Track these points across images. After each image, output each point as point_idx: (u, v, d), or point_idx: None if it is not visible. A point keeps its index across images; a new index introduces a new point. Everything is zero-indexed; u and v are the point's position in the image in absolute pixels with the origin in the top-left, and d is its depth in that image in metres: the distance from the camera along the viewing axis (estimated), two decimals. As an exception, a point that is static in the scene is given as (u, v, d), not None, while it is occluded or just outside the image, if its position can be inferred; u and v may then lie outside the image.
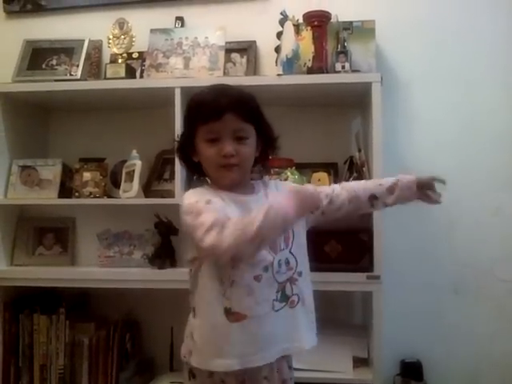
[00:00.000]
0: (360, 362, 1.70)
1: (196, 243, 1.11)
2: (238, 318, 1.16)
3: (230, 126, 1.18)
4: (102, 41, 2.03)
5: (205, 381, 1.19)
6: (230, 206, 1.18)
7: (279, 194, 1.22)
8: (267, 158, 1.31)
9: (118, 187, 1.87)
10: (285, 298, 1.20)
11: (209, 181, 1.29)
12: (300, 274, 1.23)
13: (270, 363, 1.19)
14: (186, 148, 1.26)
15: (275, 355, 1.19)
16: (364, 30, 1.83)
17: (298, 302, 1.22)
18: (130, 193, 1.80)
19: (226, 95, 1.20)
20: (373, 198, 1.30)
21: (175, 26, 1.98)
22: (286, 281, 1.20)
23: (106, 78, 1.86)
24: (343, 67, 1.74)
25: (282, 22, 1.79)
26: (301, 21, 1.81)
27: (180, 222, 1.79)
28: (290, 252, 1.22)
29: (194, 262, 1.22)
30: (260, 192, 1.26)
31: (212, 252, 1.08)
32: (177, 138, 1.31)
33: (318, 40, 1.75)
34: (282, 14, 1.80)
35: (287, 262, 1.21)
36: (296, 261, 1.23)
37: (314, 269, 1.29)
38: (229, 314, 1.16)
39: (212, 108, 1.18)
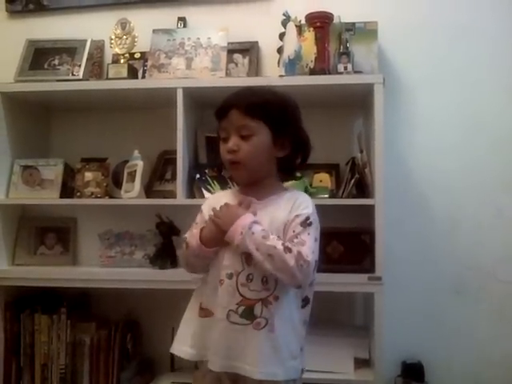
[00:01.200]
0: (361, 363, 1.70)
1: None
2: (206, 314, 1.22)
3: (234, 122, 1.21)
4: (104, 41, 2.03)
5: (206, 373, 1.22)
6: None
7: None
8: (298, 161, 1.29)
9: (120, 187, 1.87)
10: (250, 316, 1.16)
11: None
12: (276, 298, 1.16)
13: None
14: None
15: (220, 367, 1.17)
16: (366, 31, 1.83)
17: (264, 327, 1.15)
18: (132, 193, 1.80)
19: (237, 94, 1.23)
20: None
21: (177, 27, 1.98)
22: (257, 299, 1.16)
23: (108, 78, 1.86)
24: (345, 68, 1.74)
25: (284, 23, 1.79)
26: (303, 22, 1.81)
27: (181, 222, 1.82)
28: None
29: None
30: (270, 198, 1.24)
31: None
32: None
33: (321, 41, 1.75)
34: (284, 14, 1.80)
35: (265, 281, 1.16)
36: (276, 283, 1.17)
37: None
38: (200, 308, 1.23)
39: (220, 107, 1.24)
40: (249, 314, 1.16)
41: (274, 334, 1.15)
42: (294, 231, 1.17)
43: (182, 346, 1.25)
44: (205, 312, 1.22)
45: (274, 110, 1.22)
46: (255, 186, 1.26)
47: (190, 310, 1.27)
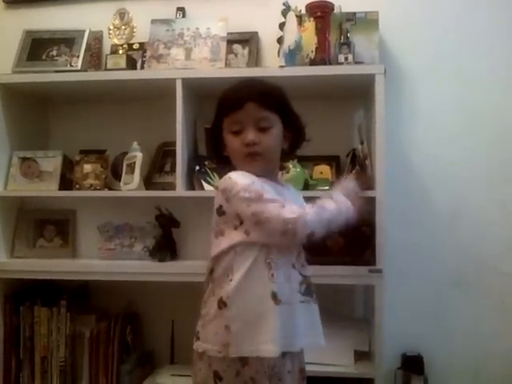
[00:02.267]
0: (361, 356, 1.70)
1: (268, 221, 1.14)
2: (281, 301, 1.17)
3: (251, 114, 1.20)
4: (102, 31, 2.01)
5: (235, 379, 1.16)
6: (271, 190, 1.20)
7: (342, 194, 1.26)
8: (294, 150, 1.33)
9: (119, 179, 1.86)
10: (310, 293, 1.24)
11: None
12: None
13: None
14: (216, 143, 1.29)
15: (300, 345, 1.22)
16: (367, 22, 1.81)
17: (316, 299, 1.26)
18: (131, 185, 1.79)
19: (248, 86, 1.23)
20: None
21: (176, 17, 1.96)
22: (309, 276, 1.25)
23: (106, 69, 1.84)
24: (346, 59, 1.72)
25: (284, 13, 1.77)
26: (303, 11, 1.79)
27: (180, 214, 1.81)
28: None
29: (229, 251, 1.18)
30: (284, 185, 1.30)
31: (294, 225, 1.13)
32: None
33: (321, 31, 1.73)
34: (284, 4, 1.78)
35: (306, 261, 1.27)
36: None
37: (316, 262, 1.29)
38: (275, 297, 1.16)
39: (234, 99, 1.22)
40: (309, 290, 1.24)
41: (317, 305, 1.27)
42: None
43: (267, 344, 1.14)
44: (280, 300, 1.16)
45: (284, 102, 1.26)
46: (268, 176, 1.26)
47: (259, 303, 1.16)
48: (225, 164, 1.31)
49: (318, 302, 1.27)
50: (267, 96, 1.22)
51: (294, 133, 1.29)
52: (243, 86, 1.23)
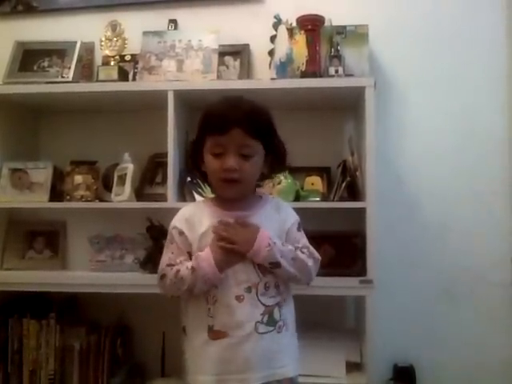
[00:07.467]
0: (353, 367, 1.69)
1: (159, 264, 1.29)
2: (218, 336, 1.18)
3: (235, 141, 1.18)
4: (94, 43, 2.01)
5: None
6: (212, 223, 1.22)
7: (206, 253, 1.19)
8: (274, 174, 1.35)
9: (110, 191, 1.85)
10: (272, 322, 1.20)
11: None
12: (284, 299, 1.24)
13: None
14: (196, 156, 1.27)
15: (255, 381, 1.18)
16: (357, 35, 1.83)
17: (283, 328, 1.22)
18: (122, 196, 1.78)
19: (236, 109, 1.19)
20: None
21: (168, 29, 1.97)
22: (274, 305, 1.20)
23: (98, 81, 1.84)
24: (337, 71, 1.74)
25: (275, 26, 1.79)
26: (294, 24, 1.81)
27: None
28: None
29: None
30: (258, 209, 1.25)
31: (159, 282, 1.28)
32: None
33: (312, 44, 1.75)
34: (275, 17, 1.80)
35: (277, 286, 1.22)
36: (284, 286, 1.23)
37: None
38: (211, 331, 1.19)
39: (220, 121, 1.19)
40: (272, 320, 1.20)
41: (289, 332, 1.24)
42: (295, 237, 1.26)
43: (201, 375, 1.20)
44: (217, 334, 1.18)
45: (269, 127, 1.23)
46: (238, 199, 1.25)
47: (197, 336, 1.21)
48: (203, 178, 1.32)
49: (284, 327, 1.21)
50: (254, 122, 1.18)
51: (276, 157, 1.26)
52: (231, 107, 1.19)
